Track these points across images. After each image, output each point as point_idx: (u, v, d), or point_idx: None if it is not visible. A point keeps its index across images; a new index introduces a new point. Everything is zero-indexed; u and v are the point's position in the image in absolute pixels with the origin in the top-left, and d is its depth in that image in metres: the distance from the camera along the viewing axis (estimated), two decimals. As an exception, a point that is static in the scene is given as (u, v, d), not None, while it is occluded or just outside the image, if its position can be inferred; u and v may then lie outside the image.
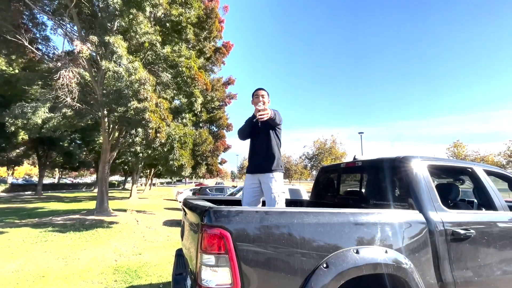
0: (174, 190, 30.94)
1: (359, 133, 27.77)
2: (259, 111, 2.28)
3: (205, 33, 10.86)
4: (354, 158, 3.07)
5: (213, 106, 11.68)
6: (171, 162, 7.59)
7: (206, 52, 11.47)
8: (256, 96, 2.63)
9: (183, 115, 9.86)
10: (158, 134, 6.77)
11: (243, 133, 2.64)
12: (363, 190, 2.88)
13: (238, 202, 3.16)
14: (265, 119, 2.27)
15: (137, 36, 8.26)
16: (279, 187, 2.47)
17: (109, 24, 8.18)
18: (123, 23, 7.89)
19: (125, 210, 12.19)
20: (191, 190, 21.08)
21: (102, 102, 8.06)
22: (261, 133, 2.58)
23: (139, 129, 7.19)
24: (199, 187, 18.06)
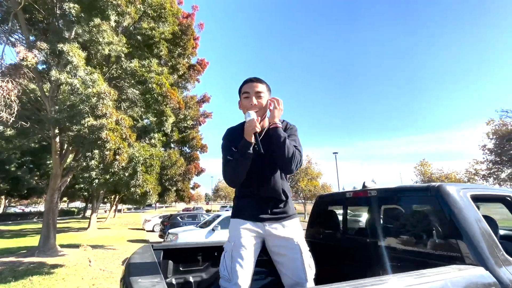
0: (142, 217, 28.32)
1: (334, 153, 28.20)
2: (250, 124, 1.39)
3: (179, 49, 10.24)
4: (364, 186, 2.42)
5: (185, 125, 10.77)
6: (132, 189, 6.45)
7: (180, 69, 10.77)
8: (246, 94, 1.54)
9: (152, 134, 8.83)
10: (117, 156, 5.71)
11: (240, 174, 1.47)
12: (380, 230, 2.21)
13: (216, 250, 2.32)
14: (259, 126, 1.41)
15: (100, 47, 7.37)
16: (306, 245, 1.52)
17: (66, 32, 7.24)
18: (82, 31, 6.99)
19: (78, 246, 10.34)
20: (160, 217, 19.23)
21: (52, 119, 6.84)
22: (266, 162, 1.50)
23: (95, 151, 6.07)
24: (169, 214, 16.42)
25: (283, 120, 1.64)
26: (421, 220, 1.93)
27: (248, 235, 1.46)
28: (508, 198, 2.14)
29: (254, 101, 1.49)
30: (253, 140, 1.40)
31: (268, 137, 1.48)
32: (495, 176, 16.64)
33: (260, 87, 1.53)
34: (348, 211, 2.70)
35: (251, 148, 1.40)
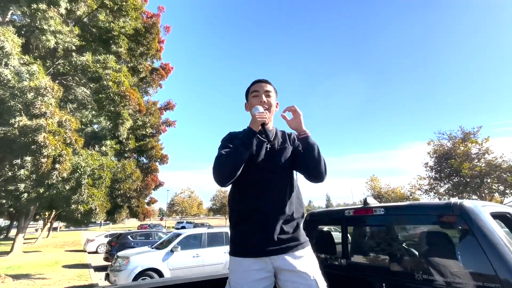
0: (84, 236, 24.76)
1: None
2: (260, 114, 1.29)
3: (141, 48, 9.37)
4: (366, 203, 2.13)
5: (144, 133, 9.71)
6: (73, 206, 5.31)
7: (141, 70, 9.86)
8: (255, 93, 1.45)
9: (103, 141, 7.68)
10: (57, 165, 4.64)
11: (236, 166, 1.22)
12: (391, 253, 1.89)
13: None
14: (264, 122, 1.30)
15: (44, 36, 6.25)
16: (323, 281, 1.27)
17: (-1, 12, 5.97)
18: (21, 14, 5.84)
19: (-7, 277, 8.24)
20: (106, 236, 16.91)
21: (-31, 117, 5.43)
22: (271, 170, 1.32)
23: (27, 157, 4.88)
24: (118, 233, 14.50)
25: (291, 133, 1.54)
26: (442, 244, 1.68)
27: (255, 280, 1.20)
28: (508, 215, 2.04)
29: (264, 98, 1.43)
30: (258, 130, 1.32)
31: (276, 141, 1.43)
32: (435, 191, 18.60)
33: (269, 87, 1.48)
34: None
35: (254, 139, 1.27)
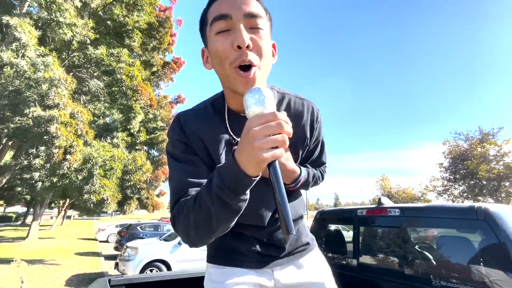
0: (96, 225, 25.58)
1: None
2: (267, 131, 0.50)
3: (154, 42, 9.41)
4: (380, 203, 2.04)
5: (154, 126, 9.81)
6: (86, 196, 5.43)
7: (153, 64, 9.91)
8: (222, 21, 0.63)
9: (115, 133, 7.80)
10: (68, 156, 4.74)
11: (220, 230, 0.62)
12: (406, 256, 1.80)
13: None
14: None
15: (60, 30, 6.35)
16: (332, 280, 0.95)
17: (16, 3, 6.11)
18: (38, 6, 5.94)
19: (10, 261, 8.62)
20: (117, 226, 17.37)
21: (-12, 107, 5.61)
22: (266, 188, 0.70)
23: (41, 147, 5.01)
24: (128, 224, 14.83)
25: (303, 106, 0.86)
26: (463, 250, 1.57)
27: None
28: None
29: (246, 38, 0.60)
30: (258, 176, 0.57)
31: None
32: (449, 193, 18.05)
33: (254, 6, 0.65)
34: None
35: (247, 192, 0.58)
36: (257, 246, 0.86)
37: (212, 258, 0.89)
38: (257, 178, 0.55)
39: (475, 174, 16.11)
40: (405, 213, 1.83)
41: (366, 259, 2.03)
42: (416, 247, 1.81)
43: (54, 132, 4.40)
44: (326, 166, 1.02)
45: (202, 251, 7.49)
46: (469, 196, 16.80)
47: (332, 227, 2.44)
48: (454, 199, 17.69)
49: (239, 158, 0.52)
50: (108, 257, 10.73)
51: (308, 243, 0.96)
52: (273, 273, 0.88)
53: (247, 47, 0.61)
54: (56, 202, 23.20)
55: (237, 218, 0.62)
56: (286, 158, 0.79)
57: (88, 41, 7.01)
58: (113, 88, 7.10)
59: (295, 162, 0.85)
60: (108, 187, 5.65)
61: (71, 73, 7.59)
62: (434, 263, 1.66)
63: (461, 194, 17.52)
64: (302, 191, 1.03)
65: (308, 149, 0.90)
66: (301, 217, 0.98)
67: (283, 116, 0.50)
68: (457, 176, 17.44)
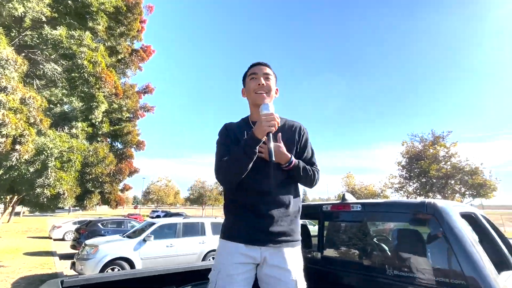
0: (50, 222, 23.48)
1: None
2: (269, 119, 1.16)
3: (122, 28, 8.79)
4: (344, 199, 2.15)
5: (120, 117, 9.19)
6: (39, 190, 4.93)
7: (120, 51, 9.27)
8: (253, 75, 1.39)
9: (74, 123, 7.17)
10: (18, 146, 4.25)
11: (240, 174, 1.23)
12: (365, 249, 1.93)
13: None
14: (273, 130, 1.17)
15: (10, 4, 5.64)
16: (303, 275, 1.27)
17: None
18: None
19: None
20: (75, 223, 16.16)
21: None
22: (271, 164, 1.26)
23: (-16, 136, 4.42)
24: (87, 220, 13.86)
25: (295, 125, 1.45)
26: (415, 241, 1.73)
27: (238, 263, 1.21)
28: (473, 215, 2.15)
29: (263, 81, 1.35)
30: (264, 139, 1.19)
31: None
32: (404, 190, 19.73)
33: (268, 70, 1.40)
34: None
35: (257, 148, 1.19)
36: (252, 225, 1.23)
37: (221, 235, 1.32)
38: (262, 140, 1.18)
39: (427, 173, 17.78)
40: (366, 208, 1.95)
41: (329, 252, 2.14)
42: (375, 239, 1.95)
43: (1, 119, 3.91)
44: (317, 166, 1.40)
45: (167, 248, 7.29)
46: (421, 192, 18.53)
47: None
48: (408, 195, 19.37)
49: (254, 131, 1.18)
50: (64, 257, 9.95)
51: (295, 240, 1.29)
52: (262, 252, 1.21)
53: (263, 84, 1.36)
54: (1, 197, 20.79)
55: (250, 164, 1.20)
56: (279, 146, 1.27)
57: (44, 19, 6.33)
58: (73, 74, 6.49)
59: (293, 155, 1.32)
60: (65, 181, 5.19)
61: (23, 54, 6.80)
62: (389, 254, 1.80)
63: (414, 190, 19.24)
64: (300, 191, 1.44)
65: (298, 149, 1.39)
66: (298, 210, 1.34)
67: (276, 115, 1.18)
68: (412, 174, 19.11)
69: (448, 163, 17.84)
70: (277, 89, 1.43)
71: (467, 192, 17.29)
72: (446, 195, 17.51)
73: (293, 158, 1.29)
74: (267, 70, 1.38)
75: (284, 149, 1.26)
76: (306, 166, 1.33)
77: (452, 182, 17.52)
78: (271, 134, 1.15)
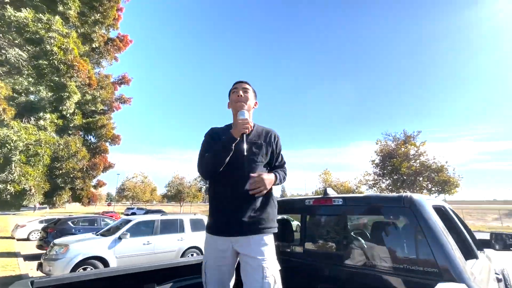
0: (13, 221, 21.80)
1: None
2: (244, 123, 1.42)
3: (96, 15, 8.29)
4: (326, 194, 2.21)
5: (93, 109, 8.67)
6: (0, 186, 4.53)
7: (94, 39, 8.74)
8: (234, 90, 1.64)
9: (42, 114, 6.67)
10: (-23, 137, 3.87)
11: (218, 166, 1.44)
12: (346, 241, 2.00)
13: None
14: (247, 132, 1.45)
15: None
16: (274, 260, 1.42)
17: None
18: None
19: None
20: (41, 222, 15.12)
21: None
22: (244, 163, 1.47)
23: None
24: (56, 218, 13.03)
25: (270, 132, 1.66)
26: (392, 233, 1.82)
27: (219, 255, 1.42)
28: (443, 209, 2.31)
29: (241, 92, 1.58)
30: (238, 138, 1.43)
31: (252, 143, 1.55)
32: (378, 186, 20.72)
33: (247, 86, 1.65)
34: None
35: (233, 145, 1.42)
36: (225, 217, 1.42)
37: (207, 229, 1.51)
38: (237, 139, 1.42)
39: (399, 170, 18.81)
40: (347, 202, 2.01)
41: (311, 245, 2.19)
42: (355, 232, 2.03)
43: (-44, 107, 3.53)
44: (285, 164, 1.72)
45: (144, 246, 7.06)
46: (393, 189, 19.58)
47: (281, 216, 2.55)
48: (381, 191, 20.37)
49: (232, 131, 1.44)
50: (29, 258, 9.28)
51: (266, 227, 1.42)
52: (233, 242, 1.39)
53: (241, 96, 1.58)
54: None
55: (227, 159, 1.41)
56: (270, 182, 1.48)
57: (7, 0, 5.80)
58: (41, 61, 6.02)
59: (265, 155, 1.56)
60: (31, 176, 4.82)
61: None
62: (368, 245, 1.88)
63: (387, 187, 20.28)
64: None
65: (275, 154, 1.63)
66: (268, 203, 1.49)
67: (250, 121, 1.52)
68: (385, 171, 20.11)
69: (418, 161, 19.01)
70: (256, 102, 1.68)
71: (433, 188, 18.58)
72: (415, 191, 18.69)
73: (277, 176, 1.54)
74: (246, 86, 1.64)
75: (267, 176, 1.47)
76: (281, 172, 1.61)
77: (421, 179, 18.71)
78: (245, 135, 1.41)
